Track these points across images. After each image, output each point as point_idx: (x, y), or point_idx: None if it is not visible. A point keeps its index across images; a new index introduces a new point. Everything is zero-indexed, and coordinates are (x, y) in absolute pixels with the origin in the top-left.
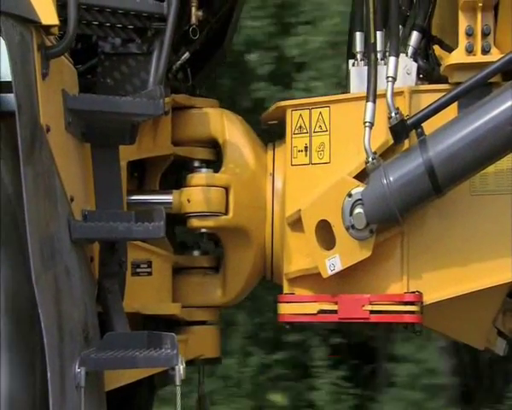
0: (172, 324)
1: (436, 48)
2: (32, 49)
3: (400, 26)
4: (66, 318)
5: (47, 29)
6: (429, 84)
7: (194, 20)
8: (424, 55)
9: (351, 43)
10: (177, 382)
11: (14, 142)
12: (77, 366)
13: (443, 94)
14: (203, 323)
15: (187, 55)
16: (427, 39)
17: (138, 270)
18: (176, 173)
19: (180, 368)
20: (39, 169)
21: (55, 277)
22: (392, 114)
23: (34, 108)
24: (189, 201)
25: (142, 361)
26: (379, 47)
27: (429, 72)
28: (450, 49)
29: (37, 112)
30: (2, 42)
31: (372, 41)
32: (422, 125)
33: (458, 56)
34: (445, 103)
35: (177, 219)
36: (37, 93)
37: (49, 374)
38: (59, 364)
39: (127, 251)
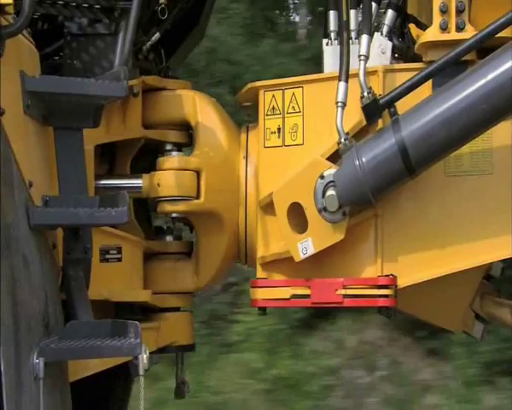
0: (148, 310)
1: (412, 27)
2: None
3: (375, 5)
4: (23, 307)
5: (1, 8)
6: (405, 63)
7: None
8: (399, 33)
9: (326, 22)
10: (141, 372)
11: None
12: (35, 357)
13: (417, 73)
14: (176, 309)
15: (157, 35)
16: (403, 18)
17: (107, 256)
18: (150, 157)
19: (143, 358)
20: None
21: (10, 266)
22: (365, 94)
23: None
24: (159, 185)
25: (104, 351)
26: (352, 26)
27: (405, 51)
28: (426, 28)
29: None
30: None
31: (345, 19)
32: (396, 105)
33: (432, 34)
34: (418, 82)
35: (151, 204)
36: None
37: (2, 366)
38: (14, 354)
39: (92, 237)
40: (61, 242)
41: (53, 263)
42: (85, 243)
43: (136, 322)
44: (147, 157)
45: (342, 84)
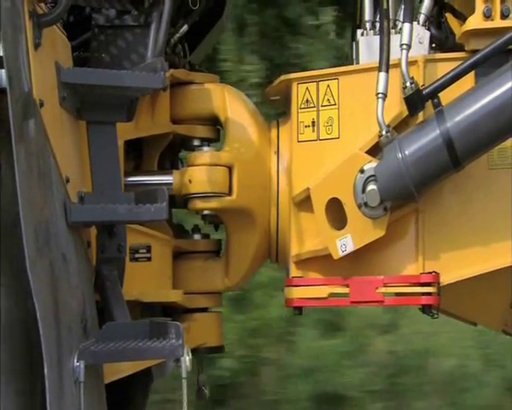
0: (171, 311)
1: (449, 16)
2: (23, 17)
3: None
4: (63, 307)
5: None
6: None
7: None
8: (437, 23)
9: (356, 12)
10: (183, 374)
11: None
12: (75, 360)
13: (459, 63)
14: (205, 310)
15: (185, 27)
16: (440, 7)
17: (137, 255)
18: (172, 154)
19: (186, 359)
20: (33, 148)
21: (50, 263)
22: (407, 84)
23: (26, 81)
24: (190, 181)
25: (145, 353)
26: (390, 15)
27: (442, 41)
28: (463, 17)
29: (29, 85)
30: None
31: (385, 7)
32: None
33: (475, 22)
34: (462, 72)
35: (174, 202)
36: (30, 64)
37: (45, 369)
38: (56, 357)
39: (126, 235)
40: (95, 240)
41: (88, 262)
42: (119, 241)
43: (178, 322)
44: (170, 154)
45: (383, 74)
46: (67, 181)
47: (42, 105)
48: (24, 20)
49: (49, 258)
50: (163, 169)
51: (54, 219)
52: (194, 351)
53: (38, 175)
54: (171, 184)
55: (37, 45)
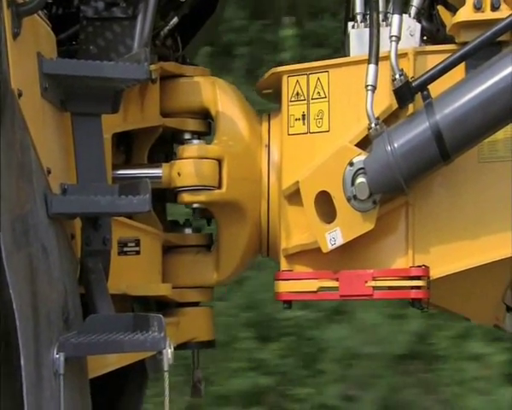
0: (164, 306)
1: (441, 8)
2: (0, 6)
3: None
4: (42, 299)
5: None
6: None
7: None
8: (428, 15)
9: (349, 5)
10: (165, 367)
11: None
12: (55, 352)
13: (449, 55)
14: (196, 304)
15: (175, 19)
16: None
17: (125, 249)
18: (165, 147)
19: (168, 352)
20: (11, 139)
21: (29, 255)
22: (397, 76)
23: (3, 70)
24: (179, 174)
25: (127, 345)
26: (380, 7)
27: (433, 33)
28: (455, 10)
29: (6, 74)
30: None
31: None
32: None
33: (466, 14)
34: (452, 64)
35: (167, 196)
36: (7, 54)
37: (22, 361)
38: (34, 349)
39: (112, 227)
40: (80, 233)
41: (71, 255)
42: (105, 234)
43: (160, 315)
44: (162, 148)
45: (372, 66)
46: (49, 173)
47: (20, 95)
48: (1, 9)
49: (27, 250)
50: (155, 163)
51: (34, 210)
52: (185, 346)
53: (18, 166)
54: (160, 177)
55: (15, 34)
